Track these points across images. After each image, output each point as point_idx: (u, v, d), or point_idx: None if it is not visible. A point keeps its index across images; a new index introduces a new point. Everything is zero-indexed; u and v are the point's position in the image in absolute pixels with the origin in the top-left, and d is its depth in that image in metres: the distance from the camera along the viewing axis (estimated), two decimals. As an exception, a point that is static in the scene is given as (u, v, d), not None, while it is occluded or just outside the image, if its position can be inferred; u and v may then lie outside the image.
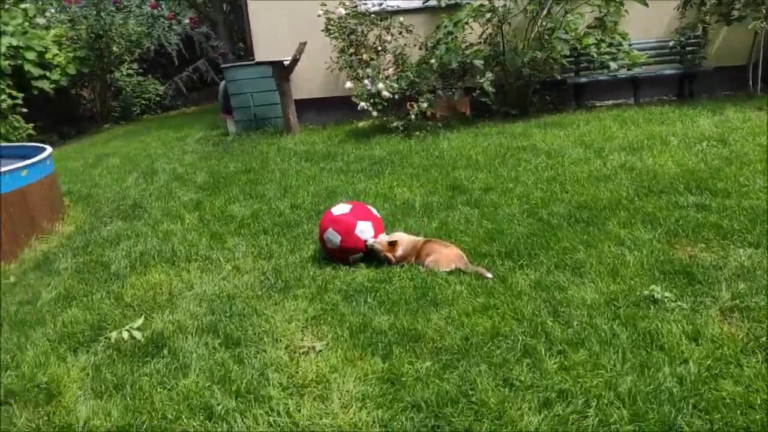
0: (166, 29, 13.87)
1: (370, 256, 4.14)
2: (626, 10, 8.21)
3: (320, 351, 3.11)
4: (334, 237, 4.16)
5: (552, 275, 3.62)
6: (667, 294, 3.23)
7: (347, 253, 4.18)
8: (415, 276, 3.82)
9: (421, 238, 4.16)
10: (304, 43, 8.19)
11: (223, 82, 9.66)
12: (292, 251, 4.52)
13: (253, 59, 9.38)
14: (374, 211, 4.48)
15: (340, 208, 4.38)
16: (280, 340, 3.26)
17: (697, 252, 3.73)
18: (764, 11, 7.38)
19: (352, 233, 4.17)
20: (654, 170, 5.27)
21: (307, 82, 9.39)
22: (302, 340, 3.25)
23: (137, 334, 3.42)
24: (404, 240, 4.13)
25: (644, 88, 8.39)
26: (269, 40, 9.23)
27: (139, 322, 3.57)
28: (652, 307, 3.15)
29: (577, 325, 3.04)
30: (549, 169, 5.69)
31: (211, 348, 3.22)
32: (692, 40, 8.28)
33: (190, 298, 3.88)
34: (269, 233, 4.93)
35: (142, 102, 14.67)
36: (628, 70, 8.35)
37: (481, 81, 7.78)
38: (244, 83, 9.10)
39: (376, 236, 4.21)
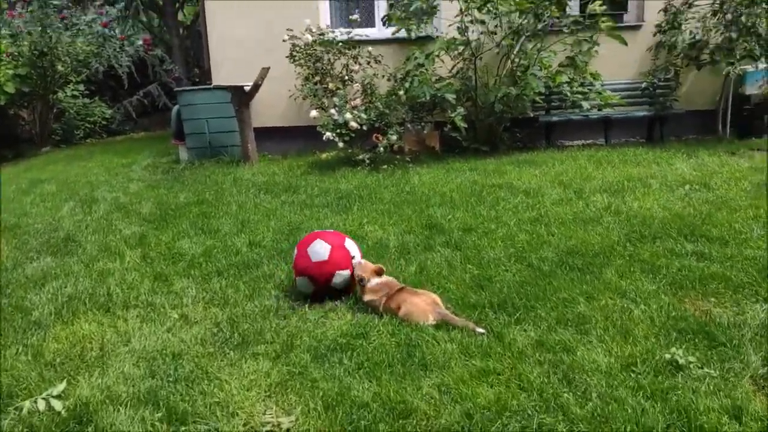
0: (117, 50, 13.12)
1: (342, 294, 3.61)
2: (596, 51, 8.11)
3: (288, 430, 2.52)
4: (322, 247, 3.75)
5: (555, 333, 3.16)
6: (690, 358, 2.81)
7: (335, 268, 3.72)
8: (396, 330, 3.30)
9: (395, 282, 3.70)
10: (267, 69, 7.70)
11: (176, 107, 9.03)
12: (251, 297, 3.93)
13: (210, 84, 8.81)
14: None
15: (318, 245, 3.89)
16: (237, 414, 2.65)
17: (710, 307, 3.36)
18: (736, 56, 7.37)
19: (342, 247, 3.81)
20: (641, 214, 4.96)
21: (268, 110, 8.88)
22: (264, 413, 2.66)
23: (57, 405, 2.75)
24: (384, 279, 3.67)
25: (615, 130, 8.25)
26: (229, 64, 8.71)
27: (61, 387, 2.90)
28: (677, 374, 2.72)
29: (597, 397, 2.57)
30: (530, 210, 5.32)
31: (149, 425, 2.58)
32: (663, 83, 8.22)
33: (126, 355, 3.23)
34: (224, 275, 4.33)
35: (87, 125, 13.76)
36: (599, 110, 8.21)
37: (452, 116, 7.45)
38: (200, 108, 8.50)
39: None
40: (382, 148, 7.33)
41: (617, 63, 8.33)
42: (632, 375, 2.73)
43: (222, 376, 2.98)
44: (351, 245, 3.90)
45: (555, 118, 8.07)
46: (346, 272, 3.74)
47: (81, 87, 13.51)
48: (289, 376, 2.95)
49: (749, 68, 8.01)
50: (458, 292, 3.74)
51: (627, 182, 5.94)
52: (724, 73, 7.49)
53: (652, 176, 6.14)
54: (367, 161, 7.53)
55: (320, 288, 3.74)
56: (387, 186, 6.54)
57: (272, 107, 8.90)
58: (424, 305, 3.41)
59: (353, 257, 3.81)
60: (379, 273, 3.68)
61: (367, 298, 3.63)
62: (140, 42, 13.93)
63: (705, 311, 3.32)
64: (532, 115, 8.11)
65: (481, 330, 3.22)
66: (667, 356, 2.84)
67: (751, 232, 4.37)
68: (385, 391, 2.71)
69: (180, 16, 16.32)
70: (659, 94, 8.20)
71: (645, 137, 8.43)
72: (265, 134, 8.78)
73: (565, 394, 2.60)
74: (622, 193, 5.60)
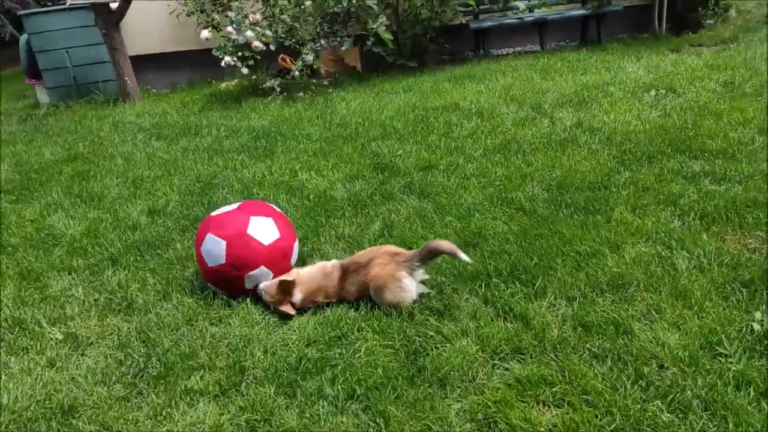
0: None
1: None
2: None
3: None
4: (215, 247, 2.64)
5: (593, 306, 2.39)
6: (784, 327, 2.15)
7: (239, 271, 2.66)
8: (384, 326, 2.40)
9: (345, 261, 2.69)
10: (137, -21, 6.09)
11: (24, 36, 7.15)
12: (165, 294, 2.85)
13: (65, 3, 6.98)
14: (276, 208, 2.96)
15: (224, 208, 2.87)
16: None
17: (758, 244, 2.72)
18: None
19: (245, 234, 2.67)
20: (619, 130, 4.26)
21: (146, 33, 7.26)
22: None
23: None
24: (306, 276, 2.64)
25: (549, 33, 7.47)
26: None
27: None
28: (782, 354, 2.05)
29: (702, 410, 1.84)
30: (492, 135, 4.47)
31: None
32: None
33: (-15, 425, 2.11)
34: (120, 263, 3.18)
35: None
36: (531, 11, 7.38)
37: (375, 26, 6.31)
38: (56, 36, 6.74)
39: (284, 239, 2.76)
40: (296, 72, 6.11)
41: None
42: (725, 362, 2.03)
43: (144, 442, 1.97)
44: (258, 227, 2.70)
45: (487, 23, 7.14)
46: (261, 270, 2.67)
47: None
48: (248, 427, 1.99)
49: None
50: (446, 256, 2.87)
51: (585, 92, 5.22)
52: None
53: (609, 83, 5.46)
54: (278, 89, 6.30)
55: (238, 293, 2.73)
56: (310, 119, 5.42)
57: (150, 29, 7.28)
58: (387, 274, 2.50)
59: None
60: (289, 287, 2.57)
61: (302, 304, 2.62)
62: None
63: (754, 249, 2.69)
64: (461, 21, 7.13)
65: (465, 257, 2.49)
66: (755, 326, 2.16)
67: (752, 141, 3.79)
68: (402, 439, 1.84)
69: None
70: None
71: (579, 39, 7.74)
72: (145, 63, 7.21)
73: (663, 414, 1.85)
74: (587, 106, 4.88)
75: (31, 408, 2.17)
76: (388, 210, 3.45)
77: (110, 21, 6.30)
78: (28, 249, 3.45)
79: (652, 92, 5.07)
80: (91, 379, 2.32)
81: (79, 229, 3.64)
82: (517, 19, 7.16)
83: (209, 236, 2.66)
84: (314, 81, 6.64)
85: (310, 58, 6.09)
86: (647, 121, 4.38)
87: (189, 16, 6.99)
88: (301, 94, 6.28)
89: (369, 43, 6.50)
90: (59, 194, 4.20)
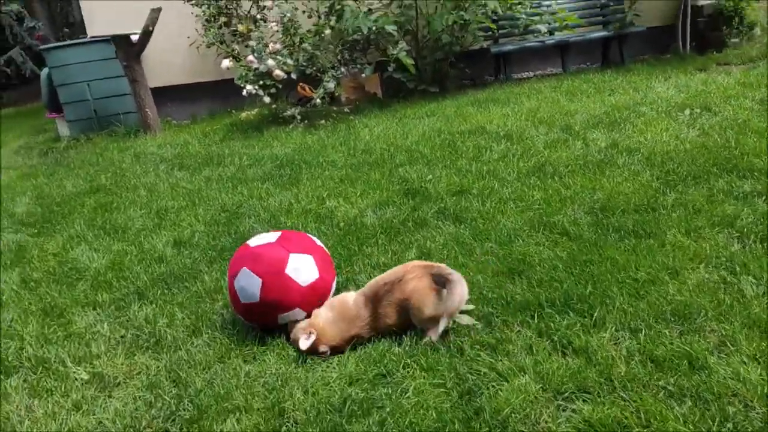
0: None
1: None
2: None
3: None
4: (250, 283, 2.48)
5: (659, 338, 2.21)
6: None
7: (274, 311, 2.50)
8: (431, 362, 2.22)
9: (369, 288, 2.51)
10: (158, 10, 6.11)
11: (45, 70, 7.19)
12: (195, 330, 2.70)
13: (86, 37, 7.03)
14: (317, 240, 2.81)
15: (262, 238, 2.70)
16: None
17: (833, 269, 2.53)
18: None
19: (282, 274, 2.49)
20: (658, 150, 4.10)
21: (165, 65, 7.27)
22: None
23: None
24: (329, 325, 2.41)
25: (570, 55, 7.38)
26: (106, 10, 6.94)
27: None
28: None
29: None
30: (524, 158, 4.33)
31: None
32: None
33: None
34: (147, 297, 3.04)
35: (-65, 104, 11.30)
36: (551, 34, 7.30)
37: (395, 52, 6.25)
38: (76, 69, 6.75)
39: (323, 279, 2.60)
40: (318, 100, 6.04)
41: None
42: (821, 400, 1.83)
43: (181, 498, 1.80)
44: (297, 265, 2.51)
45: (508, 47, 7.07)
46: (296, 312, 2.51)
47: None
48: (294, 479, 1.82)
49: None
50: (491, 284, 2.71)
51: (616, 113, 5.08)
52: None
53: (640, 103, 5.32)
54: (299, 117, 6.23)
55: (271, 327, 2.58)
56: (334, 146, 5.32)
57: (170, 61, 7.30)
58: (423, 288, 2.35)
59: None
60: (314, 348, 2.37)
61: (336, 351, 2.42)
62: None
63: (828, 274, 2.49)
64: (483, 45, 7.07)
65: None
66: None
67: (802, 159, 3.62)
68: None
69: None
70: (615, 10, 7.37)
71: (600, 61, 7.63)
72: (165, 95, 7.20)
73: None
74: (619, 127, 4.73)
75: (57, 458, 2.02)
76: (423, 237, 3.30)
77: (131, 53, 6.30)
78: (51, 284, 3.33)
79: (687, 111, 4.91)
80: (119, 423, 2.16)
81: (103, 262, 3.52)
82: (538, 42, 7.08)
83: (245, 271, 2.50)
84: (335, 108, 6.56)
85: (331, 85, 6.03)
86: (686, 140, 4.22)
87: (209, 47, 6.99)
88: (323, 121, 6.20)
89: (390, 69, 6.43)
90: (82, 227, 4.10)
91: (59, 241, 3.93)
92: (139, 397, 2.30)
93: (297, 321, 2.48)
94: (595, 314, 2.38)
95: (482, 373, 2.15)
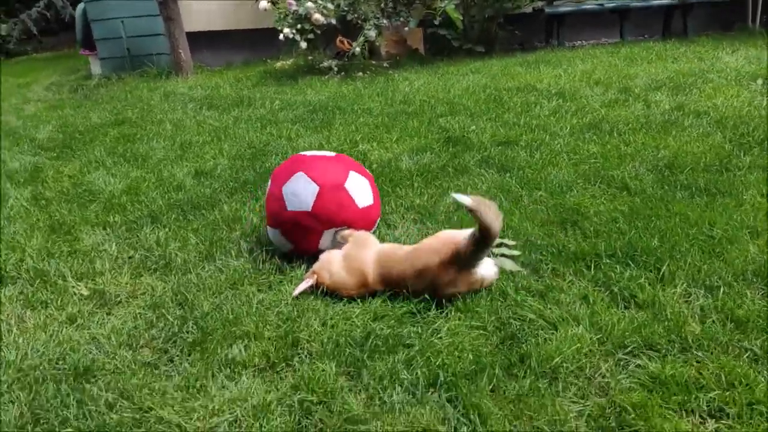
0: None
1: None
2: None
3: None
4: (305, 189, 2.21)
5: (741, 298, 1.87)
6: None
7: (321, 227, 2.23)
8: (471, 306, 1.93)
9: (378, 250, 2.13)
10: (199, -55, 5.83)
11: (81, 5, 7.02)
12: (208, 255, 2.46)
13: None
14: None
15: (317, 152, 2.49)
16: None
17: None
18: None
19: (342, 188, 2.24)
20: (730, 114, 3.69)
21: (201, 9, 7.01)
22: None
23: None
24: (341, 268, 2.09)
25: (629, 24, 6.89)
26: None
27: None
28: None
29: None
30: (578, 115, 3.96)
31: None
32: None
33: (-17, 383, 1.74)
34: (160, 222, 2.80)
35: (-26, 45, 11.31)
36: (609, 1, 6.82)
37: (443, 5, 5.88)
38: (112, 5, 6.55)
39: (375, 207, 2.40)
40: (357, 48, 5.72)
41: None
42: None
43: (171, 413, 1.55)
44: (356, 184, 2.28)
45: (564, 8, 6.61)
46: (345, 233, 2.23)
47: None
48: (302, 410, 1.56)
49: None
50: (540, 232, 2.39)
51: (681, 78, 4.65)
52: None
53: (707, 71, 4.87)
54: (336, 69, 5.94)
55: (301, 250, 2.29)
56: (371, 95, 5.01)
57: (205, 7, 7.03)
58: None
59: (361, 203, 2.25)
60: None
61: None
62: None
63: None
64: (536, 7, 6.64)
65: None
66: None
67: None
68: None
69: None
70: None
71: (661, 33, 7.12)
72: (199, 41, 6.97)
73: None
74: (685, 91, 4.32)
75: (41, 367, 1.79)
76: (463, 183, 2.99)
77: (168, -11, 6.06)
78: (62, 203, 3.12)
79: (759, 81, 4.46)
80: (115, 340, 1.93)
81: (119, 186, 3.31)
82: (597, 5, 6.61)
83: (300, 176, 2.22)
84: (374, 62, 6.25)
85: (372, 33, 5.70)
86: (761, 107, 3.80)
87: (248, -9, 6.71)
88: (360, 74, 5.90)
89: (436, 23, 6.06)
90: (102, 153, 3.91)
91: (77, 165, 3.73)
92: (141, 315, 2.07)
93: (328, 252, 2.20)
94: (663, 269, 2.05)
95: (528, 319, 1.85)
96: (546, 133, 3.62)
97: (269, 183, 2.36)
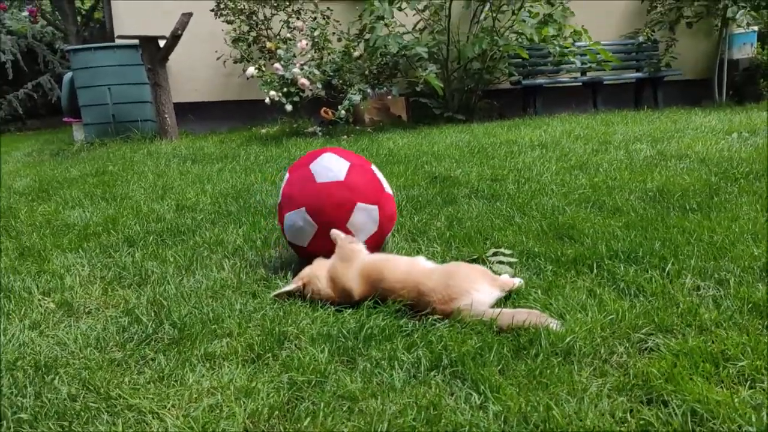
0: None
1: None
2: (572, 11, 7.11)
3: None
4: (336, 164, 2.19)
5: (754, 288, 1.79)
6: None
7: (356, 198, 2.14)
8: (471, 300, 1.80)
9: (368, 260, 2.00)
10: (189, 15, 6.04)
11: (68, 74, 7.12)
12: (187, 269, 2.31)
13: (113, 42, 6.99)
14: None
15: None
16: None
17: None
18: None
19: (370, 169, 2.31)
20: (710, 157, 3.76)
21: (188, 81, 7.18)
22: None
23: None
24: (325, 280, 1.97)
25: (601, 97, 7.20)
26: (136, 14, 6.96)
27: None
28: None
29: None
30: (563, 160, 4.00)
31: None
32: (654, 43, 7.30)
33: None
34: (138, 245, 2.66)
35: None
36: (582, 75, 7.16)
37: (425, 74, 6.09)
38: (100, 72, 6.64)
39: (393, 201, 2.38)
40: (343, 112, 5.83)
41: (596, 22, 7.32)
42: None
43: (143, 403, 1.37)
44: (380, 175, 2.37)
45: (540, 81, 6.91)
46: (374, 209, 2.18)
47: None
48: (293, 389, 1.39)
49: (737, 30, 7.30)
50: (536, 244, 2.31)
51: (658, 134, 4.79)
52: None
53: (683, 129, 5.02)
54: (320, 133, 6.02)
55: (327, 228, 2.13)
56: (356, 151, 5.02)
57: (193, 78, 7.21)
58: (478, 271, 1.86)
59: (387, 189, 2.34)
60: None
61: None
62: (25, 13, 11.72)
63: None
64: (512, 82, 6.93)
65: (555, 323, 1.63)
66: None
67: None
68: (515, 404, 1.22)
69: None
70: (649, 54, 7.26)
71: (632, 105, 7.44)
72: (185, 111, 7.06)
73: None
74: (663, 142, 4.42)
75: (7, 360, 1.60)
76: (453, 210, 2.93)
77: (156, 57, 6.20)
78: (35, 233, 2.97)
79: (734, 135, 4.61)
80: (82, 342, 1.74)
81: (96, 219, 3.17)
82: (570, 78, 6.92)
83: (329, 155, 2.24)
84: (358, 127, 6.36)
85: (357, 98, 5.83)
86: (741, 151, 3.89)
87: (236, 63, 6.91)
88: (345, 137, 5.97)
89: (417, 89, 6.25)
90: (79, 195, 3.79)
91: (52, 205, 3.60)
92: (112, 320, 1.90)
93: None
94: (668, 267, 1.97)
95: (534, 308, 1.73)
96: (532, 172, 3.63)
97: (286, 176, 2.30)
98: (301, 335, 1.67)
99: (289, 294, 1.96)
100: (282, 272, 2.18)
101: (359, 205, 2.14)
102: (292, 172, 2.29)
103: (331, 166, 2.17)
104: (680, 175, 3.31)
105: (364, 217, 2.16)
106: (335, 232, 2.09)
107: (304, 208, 2.14)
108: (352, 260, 1.99)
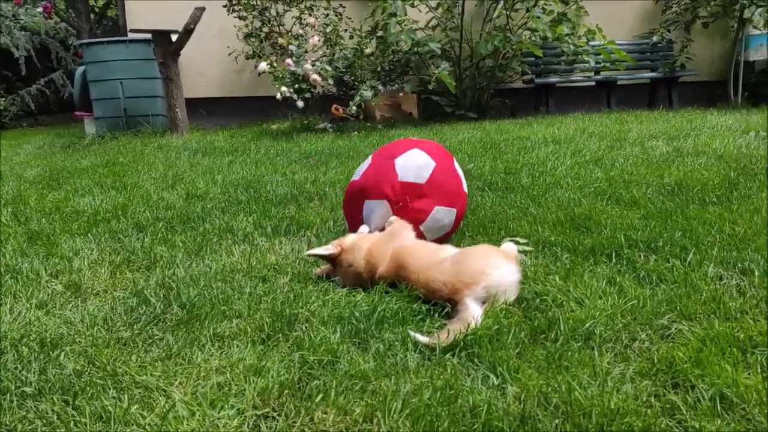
0: (13, 28, 10.96)
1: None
2: (586, 11, 7.04)
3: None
4: (423, 162, 2.16)
5: (783, 275, 1.73)
6: None
7: (435, 200, 2.13)
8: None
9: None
10: (202, 9, 6.03)
11: (80, 68, 7.13)
12: (197, 253, 2.28)
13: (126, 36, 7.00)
14: None
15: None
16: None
17: None
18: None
19: (452, 170, 2.27)
20: (728, 154, 3.69)
21: (199, 77, 7.18)
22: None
23: None
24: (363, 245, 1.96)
25: (615, 97, 7.12)
26: (149, 10, 6.97)
27: None
28: None
29: None
30: (577, 156, 3.94)
31: None
32: (668, 43, 7.22)
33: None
34: (147, 230, 2.63)
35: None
36: (597, 74, 7.09)
37: (437, 71, 6.04)
38: (112, 67, 6.66)
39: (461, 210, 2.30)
40: (354, 108, 5.79)
41: (610, 22, 7.25)
42: None
43: (150, 380, 1.33)
44: (460, 171, 2.33)
45: (553, 79, 6.84)
46: (452, 212, 2.16)
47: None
48: (304, 366, 1.34)
49: (754, 32, 7.21)
50: (555, 234, 2.26)
51: (674, 132, 4.72)
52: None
53: (698, 128, 4.95)
54: (330, 129, 5.99)
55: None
56: (366, 146, 5.00)
57: (204, 74, 7.21)
58: (507, 253, 1.79)
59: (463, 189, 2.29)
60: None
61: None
62: (39, 9, 11.79)
63: None
64: (522, 82, 6.88)
65: None
66: None
67: None
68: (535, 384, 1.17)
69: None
70: (665, 54, 7.18)
71: (646, 105, 7.35)
72: (196, 107, 7.05)
73: None
74: (680, 140, 4.35)
75: (11, 339, 1.57)
76: (468, 202, 2.88)
77: (168, 51, 6.20)
78: (44, 219, 2.95)
79: (752, 133, 4.52)
80: (89, 322, 1.71)
81: (107, 206, 3.15)
82: (584, 77, 6.85)
83: (416, 152, 2.17)
84: (368, 124, 6.32)
85: (368, 94, 5.79)
86: (759, 148, 3.82)
87: (248, 59, 6.90)
88: (356, 132, 5.94)
89: (429, 86, 6.20)
90: (89, 183, 3.77)
91: (62, 193, 3.59)
92: (121, 301, 1.86)
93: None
94: (689, 257, 1.91)
95: (551, 294, 1.68)
96: (546, 167, 3.58)
97: (369, 160, 2.27)
98: (312, 317, 1.63)
99: (322, 257, 1.93)
100: (292, 258, 2.14)
101: (437, 208, 2.11)
102: (375, 159, 2.25)
103: (417, 164, 2.13)
104: (698, 170, 3.24)
105: (440, 219, 2.14)
106: (393, 218, 2.05)
107: (385, 201, 2.11)
108: (395, 239, 1.96)
